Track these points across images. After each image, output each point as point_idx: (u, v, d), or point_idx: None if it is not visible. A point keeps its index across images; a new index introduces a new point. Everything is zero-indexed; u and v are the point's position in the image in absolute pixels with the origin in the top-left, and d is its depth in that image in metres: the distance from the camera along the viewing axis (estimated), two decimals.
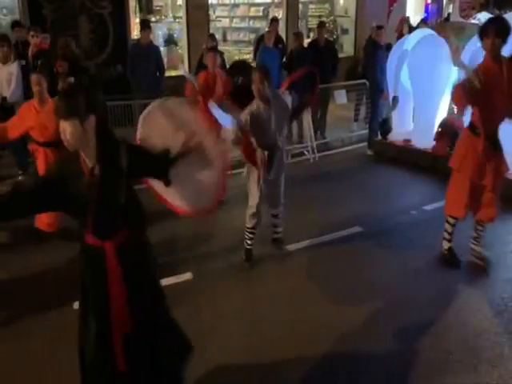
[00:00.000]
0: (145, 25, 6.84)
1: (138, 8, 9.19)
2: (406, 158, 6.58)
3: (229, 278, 3.97)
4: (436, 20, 16.99)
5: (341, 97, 7.16)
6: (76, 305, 3.51)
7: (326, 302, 3.57)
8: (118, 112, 6.31)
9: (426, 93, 6.35)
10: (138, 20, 8.98)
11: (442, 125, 6.27)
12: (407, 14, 14.59)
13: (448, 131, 6.08)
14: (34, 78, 4.09)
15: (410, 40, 6.65)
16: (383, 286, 3.80)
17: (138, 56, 6.48)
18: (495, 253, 4.25)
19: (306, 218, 4.96)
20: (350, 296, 3.66)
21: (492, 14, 22.59)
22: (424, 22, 11.85)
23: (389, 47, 7.55)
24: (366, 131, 7.59)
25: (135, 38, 8.21)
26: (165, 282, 3.78)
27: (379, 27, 7.43)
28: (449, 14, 18.73)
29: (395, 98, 6.72)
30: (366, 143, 7.45)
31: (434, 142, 6.27)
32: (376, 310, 3.48)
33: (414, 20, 13.75)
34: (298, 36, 7.79)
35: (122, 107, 6.35)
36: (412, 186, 6.01)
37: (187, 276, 3.95)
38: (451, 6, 22.16)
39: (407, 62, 6.48)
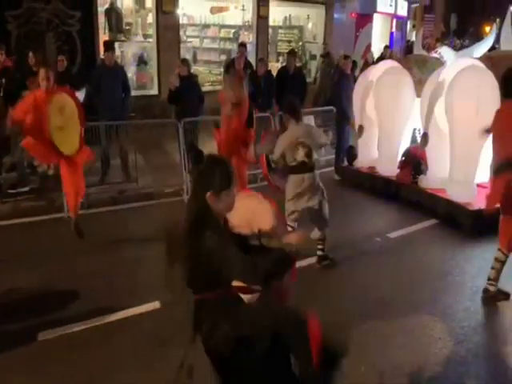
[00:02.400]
0: (109, 46, 6.78)
1: (107, 27, 9.12)
2: (371, 184, 6.76)
3: None
4: (400, 48, 17.76)
5: (308, 122, 7.27)
6: (41, 335, 3.42)
7: None
8: (85, 133, 6.18)
9: (389, 122, 6.58)
10: (107, 38, 8.92)
11: (405, 154, 6.50)
12: (373, 41, 15.22)
13: (411, 160, 6.31)
14: (42, 72, 4.45)
15: (376, 70, 6.90)
16: (344, 316, 3.83)
17: (102, 77, 6.41)
18: (455, 281, 4.40)
19: None
20: None
21: (452, 42, 23.71)
22: (388, 49, 12.33)
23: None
24: (334, 156, 7.76)
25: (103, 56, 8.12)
26: (130, 312, 3.74)
27: (346, 57, 7.69)
28: (409, 41, 19.64)
29: (361, 127, 6.92)
30: (333, 168, 7.61)
31: (398, 170, 6.47)
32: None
33: (380, 47, 14.33)
34: (263, 62, 7.96)
35: (88, 127, 6.22)
36: (377, 213, 6.16)
37: (155, 305, 3.87)
38: (414, 33, 23.32)
39: (372, 92, 6.70)
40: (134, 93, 7.88)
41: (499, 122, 3.93)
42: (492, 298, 4.04)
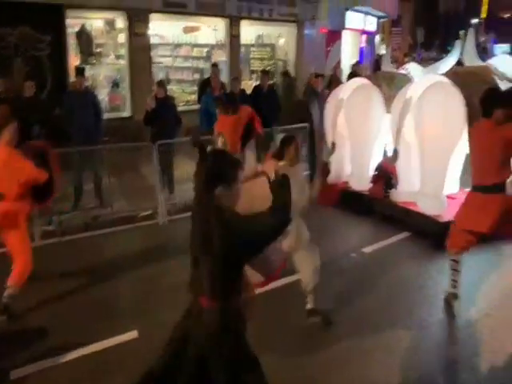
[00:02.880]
0: (78, 72, 6.76)
1: (77, 50, 9.07)
2: (345, 199, 6.85)
3: None
4: (370, 62, 18.21)
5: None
6: (13, 374, 3.31)
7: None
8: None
9: (360, 138, 6.72)
10: (78, 62, 8.87)
11: (377, 169, 6.63)
12: (343, 57, 15.58)
13: (383, 175, 6.45)
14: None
15: (346, 88, 7.05)
16: (322, 333, 3.86)
17: (73, 102, 6.37)
18: (429, 294, 4.49)
19: None
20: (286, 349, 3.67)
21: (420, 55, 24.42)
22: (358, 65, 12.58)
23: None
24: (307, 173, 7.84)
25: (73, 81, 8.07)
26: (107, 343, 3.67)
27: (317, 75, 7.84)
28: (378, 55, 20.19)
29: (333, 144, 7.05)
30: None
31: (371, 185, 6.60)
32: (314, 361, 3.53)
33: (350, 63, 14.65)
34: (237, 81, 8.06)
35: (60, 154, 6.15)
36: (351, 228, 6.24)
37: (133, 334, 3.81)
38: (383, 46, 23.99)
39: (343, 110, 6.84)
40: (106, 115, 7.87)
41: (474, 140, 4.05)
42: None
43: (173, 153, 6.96)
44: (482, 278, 4.73)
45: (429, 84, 5.87)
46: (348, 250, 5.44)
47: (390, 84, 6.73)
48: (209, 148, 2.53)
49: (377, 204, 6.41)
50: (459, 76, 5.95)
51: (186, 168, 8.09)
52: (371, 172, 6.70)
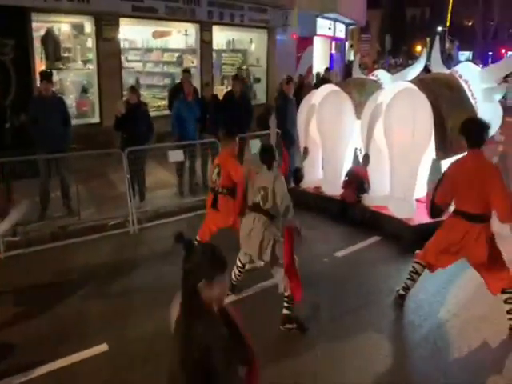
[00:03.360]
0: (45, 76, 6.55)
1: (43, 55, 8.82)
2: (318, 204, 6.92)
3: (148, 346, 3.77)
4: (340, 68, 18.52)
5: (177, 156, 6.85)
6: None
7: None
8: (22, 166, 5.92)
9: (332, 144, 6.81)
10: (44, 67, 8.62)
11: (348, 174, 6.72)
12: (314, 63, 15.79)
13: (354, 179, 6.54)
14: None
15: (317, 95, 7.13)
16: (295, 339, 3.86)
17: (40, 109, 6.16)
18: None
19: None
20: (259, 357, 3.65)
21: (387, 61, 25.01)
22: (329, 71, 12.77)
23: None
24: None
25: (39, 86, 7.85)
26: (77, 357, 3.55)
27: (288, 81, 7.88)
28: (349, 61, 20.58)
29: (306, 149, 7.11)
30: None
31: (343, 190, 6.67)
32: (286, 369, 3.52)
33: (321, 68, 14.86)
34: (210, 87, 8.02)
35: (26, 162, 5.98)
36: (324, 233, 6.28)
37: (102, 347, 3.70)
38: (352, 52, 24.45)
39: (315, 116, 6.92)
40: (74, 122, 7.65)
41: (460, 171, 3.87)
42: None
43: (144, 159, 6.85)
44: (451, 279, 4.84)
45: (397, 90, 6.01)
46: (320, 255, 5.47)
47: (360, 90, 6.85)
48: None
49: (349, 208, 6.49)
50: (425, 82, 6.11)
51: (157, 175, 8.00)
52: (343, 177, 6.78)
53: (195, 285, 1.85)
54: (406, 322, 4.19)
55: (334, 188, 6.76)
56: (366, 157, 6.38)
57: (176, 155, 6.85)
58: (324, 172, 7.16)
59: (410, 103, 5.70)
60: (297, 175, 7.33)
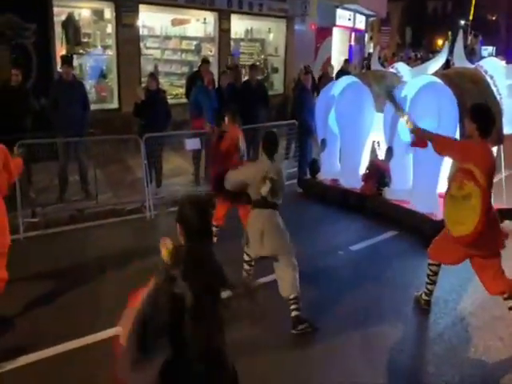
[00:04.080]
0: (66, 61, 6.61)
1: (64, 39, 8.87)
2: (335, 197, 6.88)
3: None
4: (358, 60, 18.29)
5: (194, 144, 6.90)
6: None
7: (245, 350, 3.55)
8: (41, 149, 5.99)
9: (351, 136, 6.75)
10: (64, 52, 8.67)
11: (369, 166, 6.69)
12: (332, 54, 15.60)
13: (375, 173, 6.51)
14: None
15: (337, 86, 7.08)
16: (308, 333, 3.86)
17: (60, 92, 6.23)
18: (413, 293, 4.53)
19: (229, 259, 4.94)
20: (268, 348, 3.64)
21: (407, 54, 24.63)
22: (348, 63, 12.63)
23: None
24: (296, 169, 7.85)
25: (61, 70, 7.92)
26: (92, 338, 3.61)
27: (307, 72, 7.82)
28: (369, 54, 20.31)
29: (323, 141, 7.06)
30: (295, 180, 7.69)
31: (362, 183, 6.64)
32: (298, 360, 3.54)
33: (339, 60, 14.69)
34: (227, 75, 8.00)
35: (45, 145, 6.05)
36: (339, 226, 6.26)
37: (117, 330, 3.75)
38: (371, 45, 24.11)
39: (334, 107, 6.86)
40: (93, 107, 7.69)
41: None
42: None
43: (161, 146, 6.88)
44: (468, 277, 4.77)
45: (422, 84, 5.91)
46: (335, 248, 5.45)
47: (380, 83, 6.76)
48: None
49: (369, 201, 6.44)
50: (450, 77, 6.00)
51: (173, 162, 8.03)
52: (361, 170, 6.73)
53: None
54: (420, 318, 4.16)
55: (352, 180, 6.72)
56: (390, 150, 6.28)
57: (193, 143, 6.87)
58: (342, 164, 7.11)
59: (436, 97, 5.61)
60: (313, 167, 7.30)
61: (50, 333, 3.70)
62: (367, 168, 6.65)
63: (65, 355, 3.47)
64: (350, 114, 6.59)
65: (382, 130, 6.49)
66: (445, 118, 5.52)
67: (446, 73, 6.45)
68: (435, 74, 6.38)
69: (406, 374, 3.46)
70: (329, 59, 14.47)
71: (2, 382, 3.21)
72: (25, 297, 4.18)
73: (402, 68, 7.40)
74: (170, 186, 6.98)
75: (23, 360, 3.38)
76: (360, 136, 6.73)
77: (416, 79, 6.45)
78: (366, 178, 6.57)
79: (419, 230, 5.62)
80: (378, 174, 6.40)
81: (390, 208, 6.15)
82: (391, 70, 7.47)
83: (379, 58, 15.13)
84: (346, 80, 7.13)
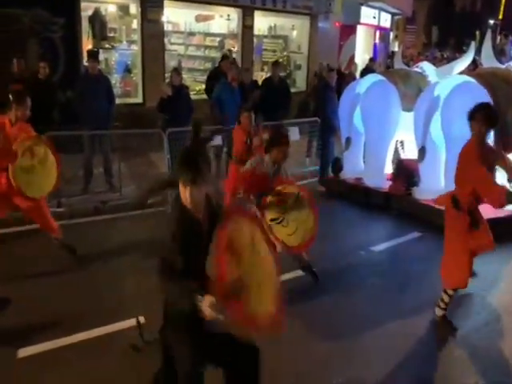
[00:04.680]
0: (92, 55, 6.71)
1: (90, 34, 9.01)
2: (358, 195, 6.82)
3: None
4: (383, 59, 18.04)
5: (294, 134, 7.27)
6: (21, 352, 3.32)
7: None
8: (67, 141, 6.10)
9: (377, 135, 6.68)
10: (90, 46, 8.81)
11: (397, 166, 6.63)
12: (356, 52, 15.45)
13: (403, 172, 6.43)
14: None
15: (362, 84, 7.01)
16: (331, 332, 3.83)
17: (86, 86, 6.33)
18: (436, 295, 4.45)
19: None
20: (282, 343, 3.64)
21: (432, 54, 24.21)
22: (373, 61, 12.49)
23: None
24: (318, 167, 7.80)
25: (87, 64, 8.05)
26: (112, 327, 3.66)
27: (331, 69, 7.75)
28: (393, 52, 20.02)
29: (348, 139, 7.00)
30: (317, 179, 7.64)
31: (390, 182, 6.57)
32: (328, 354, 3.51)
33: (363, 59, 14.53)
34: (250, 72, 7.98)
35: (71, 137, 6.17)
36: (363, 225, 6.19)
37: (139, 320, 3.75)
38: (396, 43, 23.76)
39: (360, 106, 6.80)
40: (117, 101, 7.77)
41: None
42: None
43: (184, 141, 6.91)
44: (493, 281, 4.69)
45: (455, 84, 5.82)
46: (357, 248, 5.38)
47: (405, 81, 6.70)
48: None
49: (396, 201, 6.36)
50: (483, 77, 5.91)
51: None
52: (386, 169, 6.66)
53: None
54: (443, 321, 4.07)
55: (377, 180, 6.67)
56: (423, 150, 6.15)
57: (215, 139, 6.89)
58: (366, 163, 7.04)
59: (471, 97, 5.48)
60: (336, 165, 7.24)
61: (72, 320, 3.76)
62: (395, 167, 6.59)
63: (88, 342, 3.52)
64: (377, 113, 6.52)
65: (407, 129, 6.40)
66: None
67: (480, 72, 6.34)
68: (469, 73, 6.28)
69: (428, 378, 3.40)
70: (352, 57, 14.34)
71: (21, 367, 3.27)
72: (46, 284, 4.27)
73: (427, 67, 7.31)
74: None
75: (44, 346, 3.45)
76: (386, 135, 6.65)
77: (449, 79, 6.33)
78: (394, 177, 6.52)
79: None
80: (407, 173, 6.33)
81: (419, 208, 6.05)
82: (416, 69, 7.38)
83: (404, 57, 14.88)
84: (371, 78, 7.03)
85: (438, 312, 3.98)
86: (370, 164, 6.91)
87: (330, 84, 7.63)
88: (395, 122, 6.55)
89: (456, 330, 3.87)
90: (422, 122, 6.06)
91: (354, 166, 7.13)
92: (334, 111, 7.32)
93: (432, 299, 4.33)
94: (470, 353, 3.63)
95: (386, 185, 6.66)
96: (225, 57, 8.35)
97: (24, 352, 3.37)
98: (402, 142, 7.08)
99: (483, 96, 5.39)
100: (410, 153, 6.88)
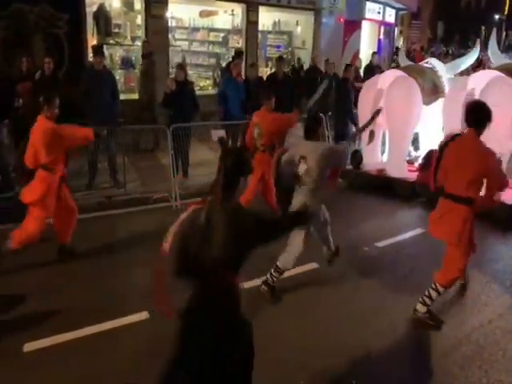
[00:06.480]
0: (97, 51, 6.74)
1: (95, 30, 9.01)
2: (382, 186, 6.93)
3: None
4: (388, 54, 17.93)
5: (218, 134, 7.15)
6: (27, 347, 3.35)
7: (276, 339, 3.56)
8: None
9: (401, 128, 6.86)
10: (95, 42, 8.82)
11: (426, 157, 6.69)
12: (361, 48, 15.36)
13: (433, 162, 6.51)
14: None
15: (384, 79, 7.20)
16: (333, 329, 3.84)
17: (91, 81, 6.35)
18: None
19: (263, 253, 4.94)
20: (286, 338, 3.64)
21: (438, 49, 24.00)
22: (377, 56, 12.45)
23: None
24: None
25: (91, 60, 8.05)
26: (118, 322, 3.69)
27: (348, 65, 8.07)
28: (398, 48, 19.90)
29: (372, 132, 7.08)
30: None
31: (418, 173, 6.68)
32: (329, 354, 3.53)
33: (367, 54, 14.44)
34: (254, 67, 8.00)
35: None
36: (386, 214, 6.29)
37: (143, 315, 3.81)
38: (401, 39, 23.61)
39: (383, 99, 6.94)
40: (122, 97, 7.81)
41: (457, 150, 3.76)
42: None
43: (188, 137, 6.93)
44: (496, 278, 4.68)
45: (490, 77, 6.04)
46: (362, 243, 5.36)
47: (423, 77, 6.96)
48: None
49: (426, 189, 6.48)
50: (510, 71, 6.10)
51: (200, 153, 8.07)
52: (406, 159, 7.02)
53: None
54: (447, 318, 4.05)
55: (400, 170, 6.92)
56: None
57: (219, 134, 6.90)
58: (389, 154, 7.24)
59: (506, 90, 5.77)
60: (356, 158, 7.32)
61: (78, 316, 3.78)
62: (424, 158, 6.74)
63: (94, 337, 3.55)
64: (400, 106, 6.69)
65: (423, 122, 6.87)
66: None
67: (507, 68, 6.45)
68: (497, 68, 6.50)
69: (431, 374, 3.40)
70: (357, 53, 14.26)
71: (38, 358, 3.30)
72: (52, 279, 4.31)
73: (436, 63, 7.50)
74: (196, 176, 7.03)
75: (49, 341, 3.48)
76: (409, 127, 6.90)
77: (480, 73, 6.64)
78: (422, 167, 6.64)
79: (490, 216, 5.39)
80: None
81: None
82: (426, 65, 7.52)
83: (409, 52, 14.79)
84: (393, 73, 7.30)
85: (422, 309, 3.90)
86: (393, 156, 7.13)
87: (349, 79, 7.83)
88: (418, 116, 6.82)
89: (443, 323, 3.88)
90: (456, 113, 5.95)
91: (372, 159, 7.33)
92: (352, 105, 7.55)
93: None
94: (473, 350, 3.63)
95: (408, 175, 6.86)
96: (240, 53, 8.35)
97: (31, 346, 3.40)
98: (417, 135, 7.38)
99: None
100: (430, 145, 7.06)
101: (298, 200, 4.02)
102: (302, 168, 3.98)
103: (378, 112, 5.13)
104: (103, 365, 3.26)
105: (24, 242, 4.38)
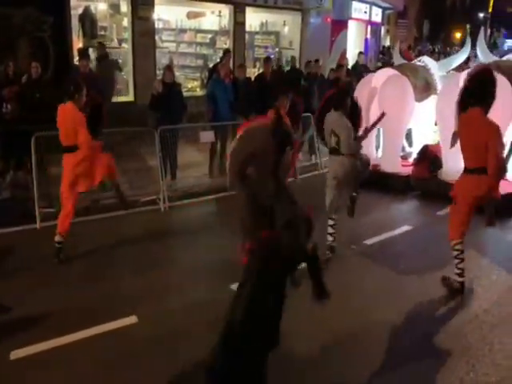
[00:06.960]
0: (83, 54, 6.71)
1: (81, 32, 8.95)
2: (377, 181, 6.96)
3: (178, 320, 3.85)
4: (374, 54, 18.05)
5: (206, 137, 7.02)
6: (13, 354, 3.32)
7: None
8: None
9: (394, 124, 7.01)
10: (81, 44, 8.76)
11: (421, 151, 7.02)
12: (348, 47, 15.44)
13: (427, 157, 6.87)
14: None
15: (378, 78, 7.43)
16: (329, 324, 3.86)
17: None
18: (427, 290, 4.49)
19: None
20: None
21: (425, 48, 24.17)
22: (362, 55, 12.51)
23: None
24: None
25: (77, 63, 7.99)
26: (107, 327, 3.67)
27: (340, 65, 8.77)
28: (384, 47, 20.01)
29: (366, 129, 7.13)
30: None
31: (413, 167, 7.05)
32: (323, 346, 3.54)
33: (354, 54, 14.53)
34: (243, 68, 7.99)
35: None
36: (389, 207, 6.50)
37: (132, 319, 3.80)
38: (388, 38, 23.73)
39: (378, 97, 7.15)
40: None
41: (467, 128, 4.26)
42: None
43: (176, 139, 6.90)
44: (483, 273, 4.74)
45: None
46: (350, 241, 5.38)
47: (415, 75, 7.21)
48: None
49: (421, 183, 6.92)
50: (502, 69, 6.21)
51: (189, 154, 8.05)
52: (400, 155, 7.30)
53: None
54: (435, 315, 4.10)
55: (394, 165, 7.20)
56: (455, 135, 6.37)
57: (207, 136, 6.90)
58: (384, 150, 7.51)
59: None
60: None
61: (66, 321, 3.75)
62: (419, 153, 6.91)
63: (82, 342, 3.52)
64: (394, 103, 6.85)
65: (416, 118, 7.19)
66: (503, 107, 5.60)
67: (499, 64, 6.65)
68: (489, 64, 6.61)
69: (419, 368, 3.43)
70: (344, 52, 14.33)
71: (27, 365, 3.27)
72: (39, 285, 4.27)
73: (428, 61, 7.77)
74: (184, 178, 7.02)
75: (36, 348, 3.44)
76: (403, 124, 7.18)
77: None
78: (417, 162, 6.82)
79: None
80: (431, 157, 6.79)
81: (447, 187, 6.22)
82: (419, 63, 7.75)
83: (400, 52, 14.82)
84: (386, 72, 7.55)
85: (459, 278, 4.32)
86: (387, 151, 7.40)
87: (340, 79, 8.13)
88: (411, 113, 7.09)
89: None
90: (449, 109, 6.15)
91: (368, 154, 7.40)
92: None
93: (427, 285, 4.37)
94: (461, 345, 3.67)
95: (402, 169, 7.20)
96: (227, 52, 8.31)
97: (17, 354, 3.36)
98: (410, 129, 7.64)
99: (505, 85, 5.89)
100: (425, 139, 7.51)
101: (331, 169, 4.88)
102: (332, 140, 4.70)
103: (382, 115, 5.25)
104: (91, 371, 3.24)
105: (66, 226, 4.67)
